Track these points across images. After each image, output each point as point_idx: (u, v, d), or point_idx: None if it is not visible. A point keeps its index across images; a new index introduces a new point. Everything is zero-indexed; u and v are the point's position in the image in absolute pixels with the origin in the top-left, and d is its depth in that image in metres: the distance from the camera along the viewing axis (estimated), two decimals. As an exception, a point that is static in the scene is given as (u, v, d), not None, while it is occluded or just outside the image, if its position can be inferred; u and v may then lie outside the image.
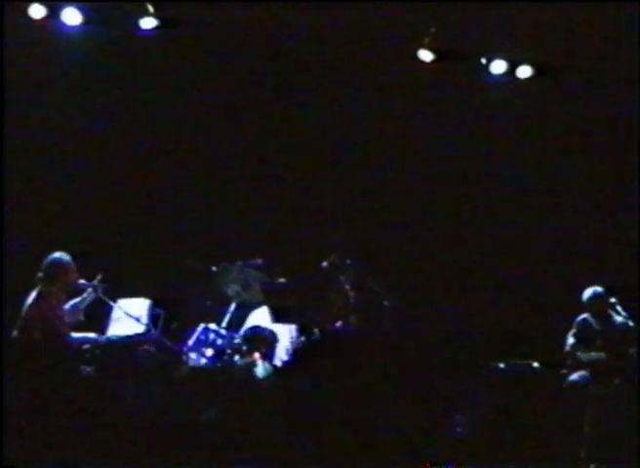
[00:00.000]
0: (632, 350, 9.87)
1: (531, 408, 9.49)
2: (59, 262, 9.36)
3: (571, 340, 10.25)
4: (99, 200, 11.60)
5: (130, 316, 9.54)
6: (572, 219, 12.05)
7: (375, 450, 8.43)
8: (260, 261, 10.57)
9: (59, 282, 9.32)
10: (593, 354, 10.01)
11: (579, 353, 10.08)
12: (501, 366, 10.23)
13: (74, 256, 9.51)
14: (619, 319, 10.11)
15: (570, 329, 10.32)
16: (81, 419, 8.52)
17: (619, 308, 10.19)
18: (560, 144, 12.12)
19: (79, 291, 9.50)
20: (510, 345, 10.85)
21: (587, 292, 10.29)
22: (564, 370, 10.11)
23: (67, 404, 8.66)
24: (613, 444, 9.10)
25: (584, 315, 10.29)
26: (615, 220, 11.90)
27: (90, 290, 9.48)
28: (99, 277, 9.51)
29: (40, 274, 9.32)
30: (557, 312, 11.07)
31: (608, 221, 11.93)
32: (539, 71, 12.09)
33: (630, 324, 10.04)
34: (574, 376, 9.97)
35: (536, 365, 10.25)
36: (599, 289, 10.28)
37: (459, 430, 9.21)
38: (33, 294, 9.23)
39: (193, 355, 10.05)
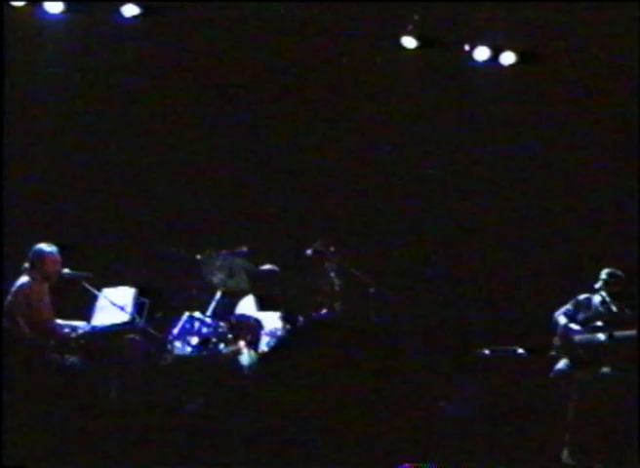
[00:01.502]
0: (630, 337, 9.75)
1: (515, 393, 9.47)
2: (41, 253, 9.43)
3: (563, 320, 10.15)
4: (84, 190, 11.53)
5: (115, 305, 9.51)
6: (555, 205, 12.01)
7: (359, 437, 8.38)
8: (245, 249, 10.52)
9: (42, 271, 9.39)
10: (593, 336, 9.91)
11: (578, 336, 9.99)
12: (487, 352, 10.21)
13: (61, 247, 9.52)
14: (619, 305, 10.01)
15: (555, 310, 10.24)
16: (66, 408, 8.46)
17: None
18: (543, 130, 12.08)
19: (65, 280, 9.49)
20: (495, 332, 10.86)
21: (605, 271, 10.14)
22: (552, 353, 10.04)
23: (52, 392, 8.62)
24: (597, 430, 9.06)
25: (588, 295, 10.18)
26: (600, 205, 11.89)
27: None
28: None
29: (26, 264, 9.39)
30: (541, 299, 11.04)
31: (593, 206, 11.91)
32: (522, 58, 12.03)
33: (627, 310, 9.97)
34: (560, 365, 9.91)
35: (520, 351, 10.24)
36: (617, 271, 10.16)
37: (441, 405, 9.16)
38: (18, 283, 9.29)
39: (178, 344, 10.01)
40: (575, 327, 10.11)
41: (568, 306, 10.23)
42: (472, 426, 9.03)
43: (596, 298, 10.19)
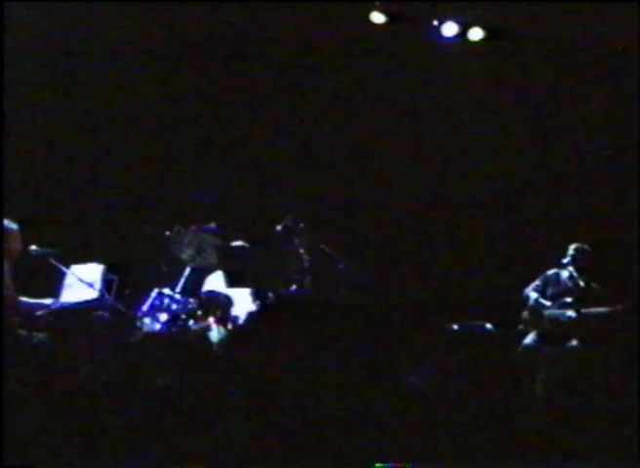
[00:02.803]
0: (598, 312, 9.85)
1: (484, 368, 9.48)
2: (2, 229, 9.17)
3: (533, 295, 10.23)
4: (53, 165, 11.51)
5: (83, 282, 9.51)
6: (521, 181, 12.04)
7: (328, 412, 8.38)
8: (213, 226, 10.51)
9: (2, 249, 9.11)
10: (561, 311, 9.99)
11: (547, 310, 10.05)
12: (455, 327, 10.20)
13: (27, 223, 9.38)
14: (587, 280, 10.10)
15: (524, 288, 10.32)
16: (35, 386, 8.37)
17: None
18: (510, 106, 12.09)
19: (33, 257, 9.40)
20: (464, 306, 10.86)
21: (573, 246, 10.22)
22: (520, 326, 10.13)
23: (21, 369, 8.53)
24: (565, 404, 9.09)
25: (556, 270, 10.28)
26: (567, 181, 11.94)
27: None
28: None
29: None
30: (509, 274, 11.11)
31: (559, 182, 11.95)
32: (490, 34, 12.00)
33: (594, 285, 10.06)
34: (528, 340, 9.99)
35: (488, 326, 10.23)
36: (585, 246, 10.24)
37: (411, 380, 9.16)
38: None
39: (147, 320, 9.99)
40: (544, 302, 10.18)
41: (537, 282, 10.31)
42: (441, 400, 9.05)
43: (564, 274, 10.30)
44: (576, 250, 10.24)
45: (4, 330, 8.90)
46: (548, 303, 10.16)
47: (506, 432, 8.49)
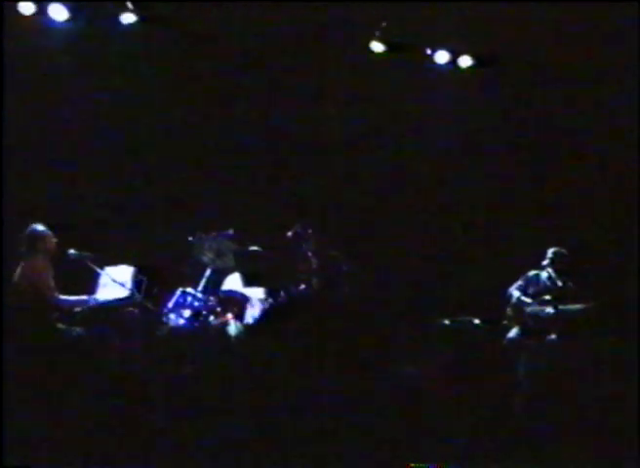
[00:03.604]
0: (574, 309, 9.94)
1: (472, 358, 9.52)
2: (36, 233, 9.27)
3: (516, 293, 10.28)
4: (91, 181, 11.50)
5: (116, 282, 9.47)
6: (510, 194, 12.11)
7: (335, 397, 8.40)
8: (231, 232, 10.53)
9: (39, 251, 9.23)
10: (541, 308, 10.06)
11: (529, 307, 10.11)
12: (447, 322, 10.30)
13: (67, 229, 9.54)
14: (564, 280, 10.16)
15: (508, 287, 10.39)
16: (72, 376, 8.33)
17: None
18: (497, 127, 12.18)
19: (71, 260, 9.43)
20: (454, 304, 10.91)
21: (552, 250, 10.29)
22: (505, 322, 10.19)
23: (60, 359, 8.53)
24: (546, 393, 9.15)
25: (536, 271, 10.30)
26: (549, 195, 12.00)
27: None
28: None
29: (22, 247, 9.26)
30: (495, 276, 11.09)
31: (543, 196, 12.03)
32: (478, 61, 12.09)
33: (570, 284, 10.11)
34: (511, 334, 10.05)
35: (476, 321, 10.35)
36: (563, 250, 10.31)
37: (407, 370, 9.20)
38: (22, 264, 9.19)
39: (173, 316, 10.06)
40: (526, 299, 10.24)
41: (520, 282, 10.34)
42: (433, 387, 9.10)
43: (543, 274, 10.32)
44: (554, 253, 10.28)
45: (45, 324, 9.08)
46: (529, 301, 10.20)
47: (491, 416, 8.57)
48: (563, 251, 10.33)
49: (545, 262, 10.31)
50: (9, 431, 7.44)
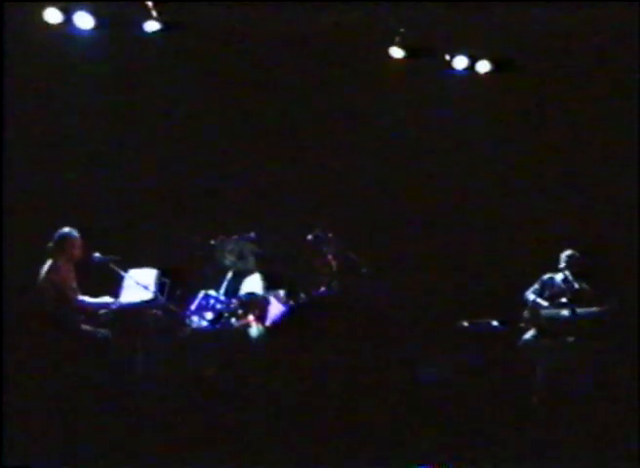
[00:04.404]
0: (590, 311, 9.96)
1: (490, 359, 9.56)
2: (66, 236, 9.40)
3: (532, 296, 10.30)
4: (116, 185, 11.57)
5: (139, 284, 9.54)
6: (526, 199, 12.07)
7: (350, 397, 8.45)
8: (252, 235, 10.63)
9: (66, 254, 9.37)
10: (557, 311, 10.08)
11: (545, 310, 10.12)
12: (465, 324, 10.35)
13: (92, 233, 9.63)
14: (577, 281, 10.15)
15: (525, 290, 10.41)
16: (93, 376, 8.56)
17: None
18: (515, 131, 12.14)
19: (96, 263, 9.52)
20: (473, 306, 10.91)
21: (565, 253, 10.31)
22: (522, 324, 10.21)
23: (85, 359, 8.74)
24: (562, 393, 9.19)
25: (551, 274, 10.32)
26: (565, 199, 11.96)
27: None
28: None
29: (50, 245, 9.38)
30: (512, 279, 11.06)
31: (560, 201, 11.96)
32: (496, 66, 12.09)
33: (585, 286, 10.11)
34: (527, 336, 10.08)
35: (495, 323, 10.38)
36: (575, 252, 10.32)
37: (425, 370, 9.24)
38: (46, 266, 9.30)
39: (195, 318, 10.10)
40: (542, 302, 10.26)
41: (535, 285, 10.37)
42: (452, 389, 9.14)
43: (558, 277, 10.34)
44: (568, 256, 10.33)
45: (69, 325, 9.17)
46: (545, 304, 10.24)
47: (510, 414, 8.62)
48: (576, 253, 10.37)
49: (561, 265, 10.35)
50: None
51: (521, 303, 10.41)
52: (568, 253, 10.37)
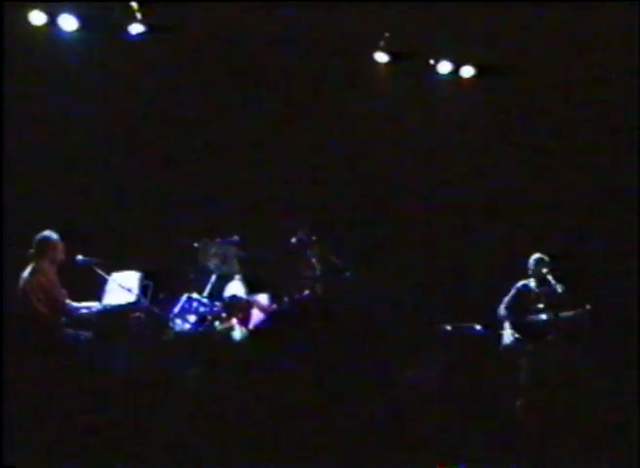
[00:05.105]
0: (566, 311, 9.92)
1: (472, 364, 9.57)
2: (47, 239, 9.31)
3: (504, 312, 10.18)
4: (98, 187, 11.52)
5: (123, 287, 9.49)
6: (506, 204, 12.12)
7: (333, 400, 8.43)
8: (236, 238, 10.61)
9: (47, 257, 9.26)
10: (535, 317, 10.03)
11: (523, 317, 10.06)
12: (448, 328, 10.36)
13: (74, 236, 9.57)
14: (553, 284, 10.01)
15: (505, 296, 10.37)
16: (77, 379, 8.49)
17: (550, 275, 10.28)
18: (498, 135, 12.21)
19: (79, 266, 9.47)
20: (456, 310, 10.95)
21: (533, 257, 10.22)
22: (501, 331, 10.15)
23: (67, 363, 8.65)
24: (545, 393, 9.19)
25: (525, 281, 10.22)
26: (540, 204, 12.04)
27: None
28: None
29: (31, 250, 9.28)
30: (493, 285, 11.02)
31: (547, 199, 12.04)
32: (480, 71, 12.18)
33: (559, 288, 9.97)
34: (506, 340, 10.03)
35: (477, 327, 10.40)
36: (544, 256, 10.22)
37: (407, 374, 9.24)
38: (28, 270, 9.18)
39: (179, 321, 10.13)
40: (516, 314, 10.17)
41: (509, 297, 10.24)
42: (435, 392, 9.15)
43: (532, 282, 10.25)
44: (536, 260, 10.19)
45: (54, 328, 9.13)
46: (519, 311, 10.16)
47: (492, 420, 8.63)
48: (545, 257, 10.23)
49: (530, 270, 10.25)
50: (8, 431, 7.55)
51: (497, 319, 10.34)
52: (535, 256, 10.26)
